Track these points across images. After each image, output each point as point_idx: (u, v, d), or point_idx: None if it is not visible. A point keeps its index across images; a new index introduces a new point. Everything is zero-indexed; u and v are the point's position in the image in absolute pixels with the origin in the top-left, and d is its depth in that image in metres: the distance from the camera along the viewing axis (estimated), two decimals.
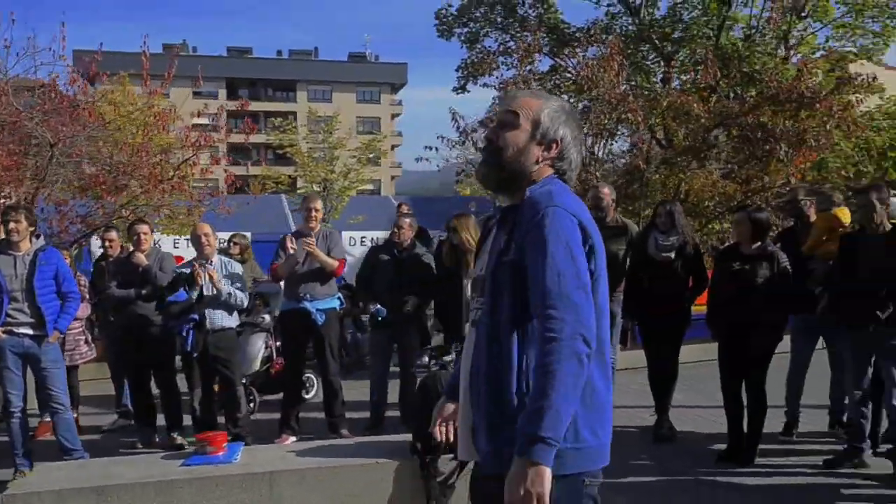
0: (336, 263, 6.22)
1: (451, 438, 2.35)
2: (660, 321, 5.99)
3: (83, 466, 4.49)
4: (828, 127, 9.65)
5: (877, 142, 16.51)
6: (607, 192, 6.47)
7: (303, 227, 6.39)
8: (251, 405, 6.92)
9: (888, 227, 5.08)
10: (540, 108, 2.12)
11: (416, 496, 4.01)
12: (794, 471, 5.21)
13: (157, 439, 6.15)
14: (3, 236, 5.40)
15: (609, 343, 2.06)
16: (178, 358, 6.26)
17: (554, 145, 2.11)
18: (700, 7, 18.14)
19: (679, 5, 18.15)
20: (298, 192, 22.38)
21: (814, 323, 5.81)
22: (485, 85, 20.80)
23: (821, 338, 6.02)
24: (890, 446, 5.13)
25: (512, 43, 18.68)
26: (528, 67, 13.85)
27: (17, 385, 5.30)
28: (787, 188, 7.65)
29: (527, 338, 1.95)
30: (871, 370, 5.16)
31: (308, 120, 25.58)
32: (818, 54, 18.21)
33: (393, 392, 6.51)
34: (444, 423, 2.38)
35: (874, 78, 12.26)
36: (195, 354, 5.93)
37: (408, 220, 6.63)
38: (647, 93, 11.75)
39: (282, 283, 6.47)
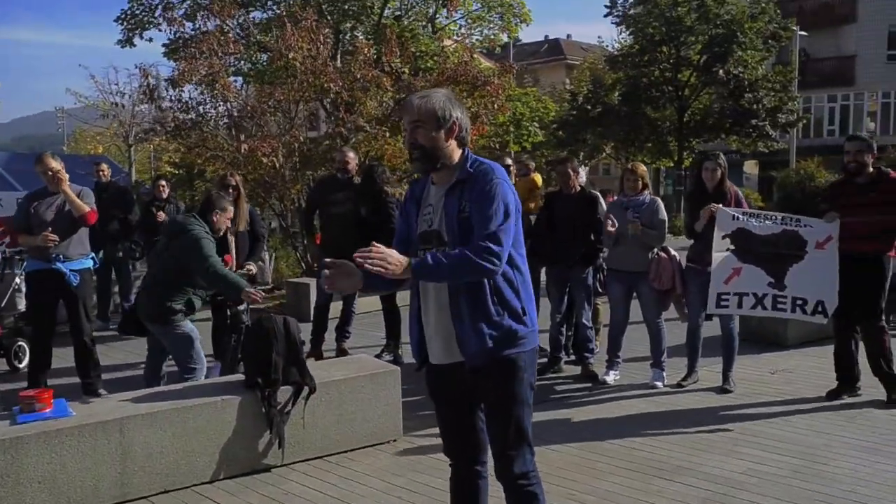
0: (87, 208, 6.02)
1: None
2: None
3: None
4: (496, 106, 11.57)
5: (500, 118, 19.63)
6: (352, 157, 7.26)
7: (50, 187, 6.05)
8: None
9: (578, 189, 6.71)
10: (433, 106, 2.78)
11: (257, 425, 4.49)
12: None
13: None
14: None
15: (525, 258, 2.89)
16: None
17: (454, 126, 2.82)
18: None
19: None
20: None
21: None
22: (150, 39, 19.83)
23: None
24: (577, 355, 6.85)
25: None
26: (197, 25, 13.70)
27: None
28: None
29: None
30: (565, 298, 6.80)
31: None
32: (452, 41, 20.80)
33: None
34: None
35: (514, 66, 14.70)
36: None
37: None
38: (340, 65, 12.62)
39: None
